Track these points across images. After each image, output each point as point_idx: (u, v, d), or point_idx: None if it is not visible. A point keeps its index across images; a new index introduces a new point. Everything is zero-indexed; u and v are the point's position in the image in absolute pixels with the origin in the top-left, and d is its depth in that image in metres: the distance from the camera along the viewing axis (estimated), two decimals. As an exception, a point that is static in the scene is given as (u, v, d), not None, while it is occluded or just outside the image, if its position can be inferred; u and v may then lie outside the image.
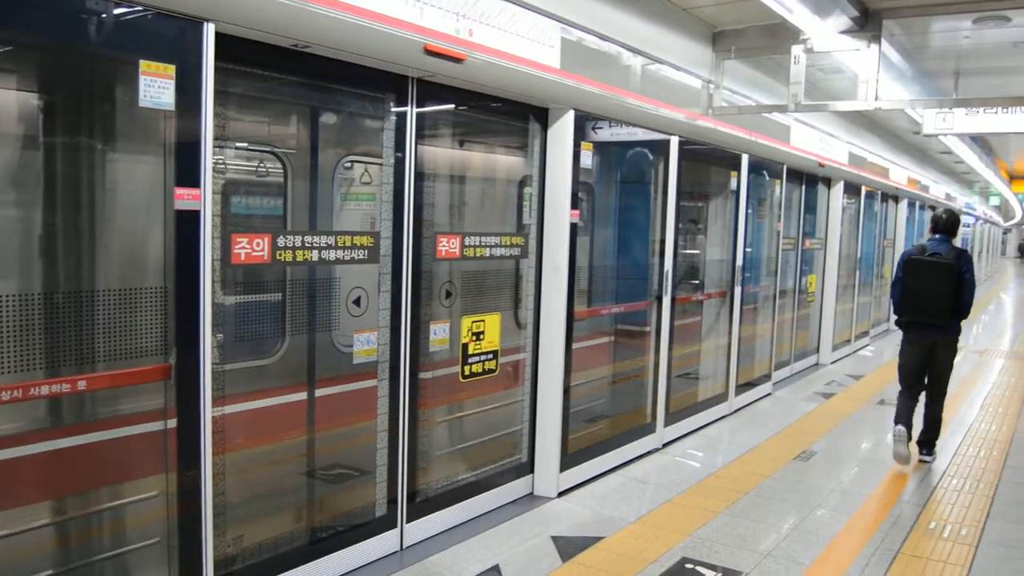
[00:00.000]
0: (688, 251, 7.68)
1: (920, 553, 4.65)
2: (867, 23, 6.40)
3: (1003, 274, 35.53)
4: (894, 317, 6.57)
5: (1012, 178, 25.42)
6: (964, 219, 25.33)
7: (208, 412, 3.25)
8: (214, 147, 3.21)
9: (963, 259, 6.16)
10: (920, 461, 6.45)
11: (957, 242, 6.45)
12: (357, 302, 4.34)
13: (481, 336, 4.82)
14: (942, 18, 6.88)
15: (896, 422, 6.28)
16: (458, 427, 5.35)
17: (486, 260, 4.83)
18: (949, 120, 8.98)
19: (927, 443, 6.51)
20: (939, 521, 5.16)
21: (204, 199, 3.13)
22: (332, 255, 3.86)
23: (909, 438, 6.24)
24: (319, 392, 4.52)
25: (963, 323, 6.37)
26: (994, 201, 35.07)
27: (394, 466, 4.37)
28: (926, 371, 6.39)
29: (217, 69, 3.17)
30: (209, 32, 3.11)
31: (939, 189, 19.12)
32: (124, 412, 3.34)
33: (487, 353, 4.88)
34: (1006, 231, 57.33)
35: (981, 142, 16.43)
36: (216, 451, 3.38)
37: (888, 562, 4.53)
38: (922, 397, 6.47)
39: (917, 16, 6.56)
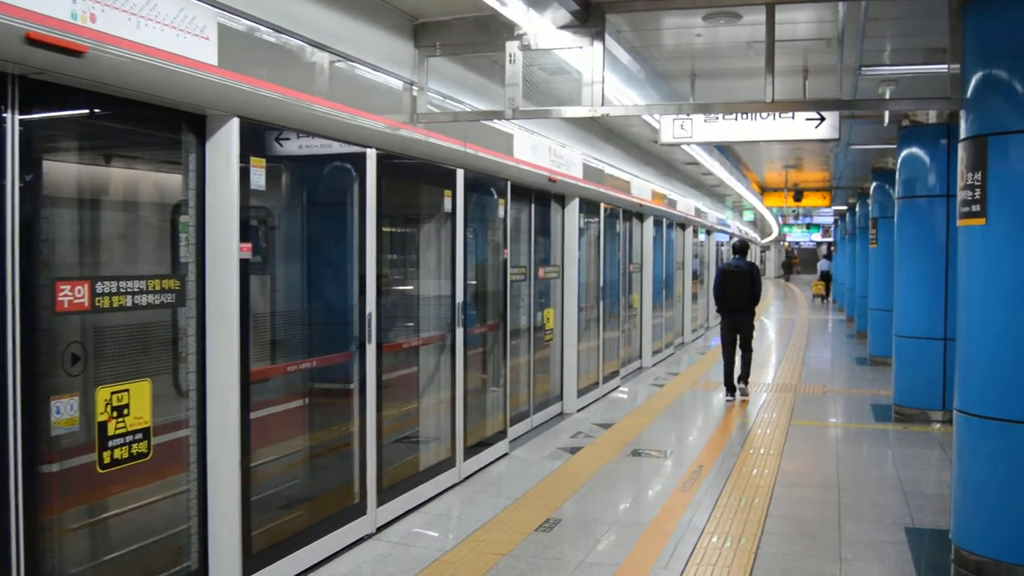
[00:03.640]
0: (399, 287, 7.77)
1: (673, 627, 4.98)
2: (589, 18, 6.81)
3: (763, 298, 39.03)
4: (715, 307, 13.26)
5: (764, 191, 28.21)
6: (718, 237, 27.97)
7: None
8: None
9: (754, 268, 12.72)
10: (741, 394, 12.58)
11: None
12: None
13: (126, 411, 4.56)
14: (670, 14, 7.55)
15: (724, 382, 12.61)
16: (102, 533, 5.02)
17: (129, 311, 4.59)
18: (688, 128, 9.81)
19: (743, 377, 12.65)
20: (695, 588, 5.56)
21: None
22: None
23: (732, 397, 12.56)
24: None
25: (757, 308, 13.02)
26: (748, 216, 38.86)
27: (7, 596, 4.01)
28: (736, 339, 12.58)
29: None
30: None
31: (687, 204, 20.77)
32: None
33: (135, 432, 4.61)
34: (764, 248, 63.35)
35: (729, 152, 18.13)
36: None
37: (637, 641, 4.81)
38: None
39: (643, 11, 7.13)
